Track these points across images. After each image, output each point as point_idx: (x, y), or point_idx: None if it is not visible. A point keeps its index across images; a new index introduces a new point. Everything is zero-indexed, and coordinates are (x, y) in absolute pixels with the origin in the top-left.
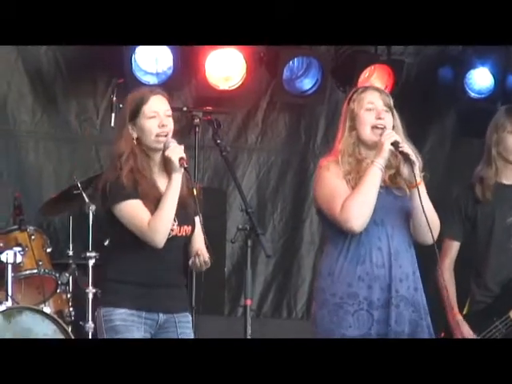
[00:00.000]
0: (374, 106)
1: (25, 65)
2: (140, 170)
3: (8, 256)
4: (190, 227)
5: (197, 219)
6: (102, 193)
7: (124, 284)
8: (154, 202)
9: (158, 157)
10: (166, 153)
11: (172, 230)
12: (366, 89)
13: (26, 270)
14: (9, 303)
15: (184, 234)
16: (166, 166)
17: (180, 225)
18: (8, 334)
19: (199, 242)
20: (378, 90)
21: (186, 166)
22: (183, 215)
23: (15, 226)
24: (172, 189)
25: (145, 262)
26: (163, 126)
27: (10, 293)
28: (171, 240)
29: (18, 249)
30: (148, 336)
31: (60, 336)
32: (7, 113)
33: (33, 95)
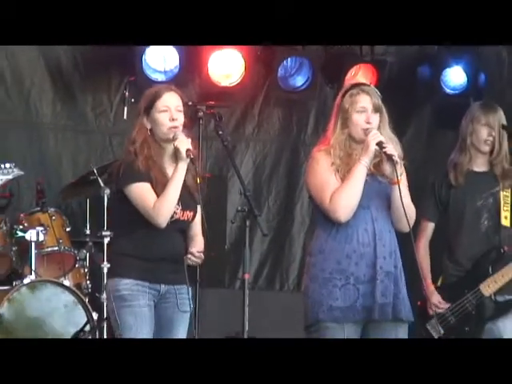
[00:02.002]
0: (365, 109)
1: (46, 63)
2: (153, 158)
3: (31, 235)
4: (192, 213)
5: (199, 207)
6: (116, 174)
7: (131, 258)
8: (161, 186)
9: (169, 147)
10: (175, 143)
11: (175, 213)
12: (359, 92)
13: (47, 248)
14: (32, 277)
15: (186, 218)
16: (176, 156)
17: (183, 209)
18: (32, 305)
19: (198, 228)
20: (369, 93)
21: (192, 156)
22: (187, 201)
23: (38, 208)
24: (177, 176)
25: (150, 240)
26: (173, 119)
27: (33, 267)
28: (174, 222)
29: (40, 228)
30: (152, 304)
31: (78, 306)
32: (30, 106)
33: (53, 90)
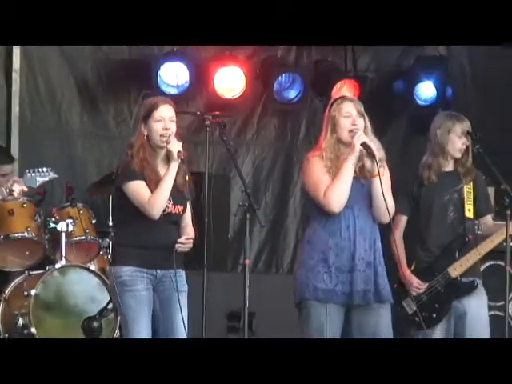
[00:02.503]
0: (350, 114)
1: (75, 79)
2: (147, 160)
3: (62, 226)
4: (182, 207)
5: (188, 203)
6: (115, 174)
7: (130, 247)
8: (154, 184)
9: (162, 151)
10: (168, 146)
11: (167, 207)
12: (343, 100)
13: (76, 237)
14: (63, 262)
15: (177, 211)
16: (168, 158)
17: (174, 204)
18: (62, 286)
19: (188, 220)
20: (352, 100)
21: (182, 157)
22: (177, 197)
23: (67, 203)
24: (169, 174)
25: (146, 231)
26: (166, 129)
27: (63, 254)
28: (167, 215)
29: (69, 220)
30: (150, 287)
31: (102, 287)
32: (61, 117)
33: (80, 103)
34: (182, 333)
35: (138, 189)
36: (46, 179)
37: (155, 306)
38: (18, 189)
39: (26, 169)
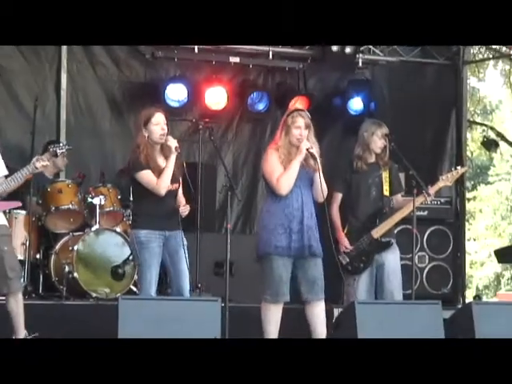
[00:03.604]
0: (299, 126)
1: (106, 96)
2: (149, 154)
3: (97, 200)
4: (177, 185)
5: (181, 180)
6: (128, 166)
7: (144, 215)
8: (157, 172)
9: (159, 147)
10: (168, 143)
11: (169, 186)
12: (296, 115)
13: (106, 208)
14: (97, 226)
15: (174, 188)
16: (165, 152)
17: (172, 183)
18: (96, 243)
19: (181, 193)
20: (303, 116)
21: (178, 151)
22: (173, 178)
23: (100, 184)
24: (170, 163)
25: (155, 204)
26: (162, 129)
27: (97, 220)
28: (168, 192)
29: (102, 196)
30: (161, 244)
31: (125, 244)
32: (96, 122)
33: (109, 112)
34: (186, 274)
35: (147, 176)
36: (64, 150)
37: (165, 258)
38: (39, 165)
39: (49, 146)
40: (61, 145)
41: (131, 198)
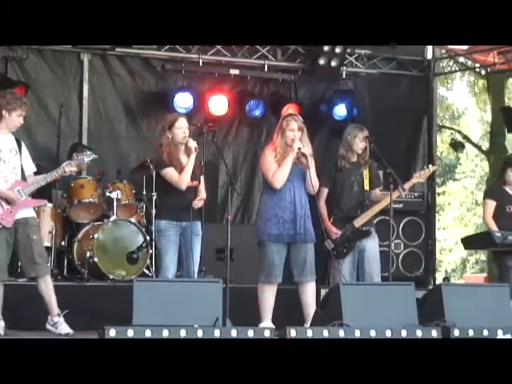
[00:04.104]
0: (293, 129)
1: (122, 104)
2: (172, 153)
3: (114, 195)
4: (197, 182)
5: (202, 178)
6: (154, 164)
7: (166, 208)
8: (179, 169)
9: (181, 147)
10: (188, 144)
11: (189, 182)
12: (291, 119)
13: (122, 201)
14: (114, 217)
15: (194, 185)
16: (186, 151)
17: (192, 180)
18: (114, 232)
19: (201, 189)
20: (296, 120)
21: (197, 151)
22: (194, 176)
23: (117, 180)
24: (190, 162)
25: (175, 197)
26: (184, 133)
27: (115, 212)
28: (188, 188)
29: (118, 191)
30: (178, 234)
31: (139, 233)
32: (113, 127)
33: (125, 119)
34: (196, 261)
35: (170, 173)
36: (91, 158)
37: (181, 244)
38: (68, 170)
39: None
40: (88, 153)
41: (144, 192)
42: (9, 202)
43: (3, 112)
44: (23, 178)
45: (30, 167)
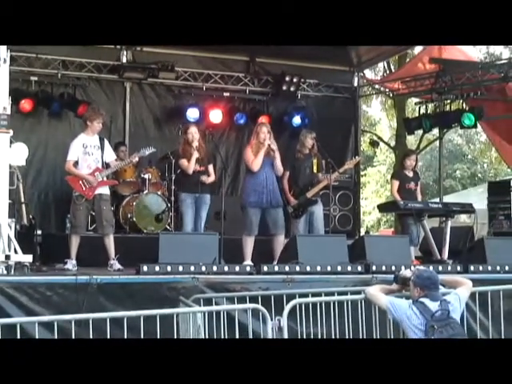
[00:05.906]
0: (264, 132)
1: (152, 114)
2: (187, 149)
3: (146, 175)
4: (204, 167)
5: (211, 166)
6: (173, 156)
7: (184, 184)
8: (189, 160)
9: (194, 145)
10: (193, 144)
11: (196, 168)
12: (262, 126)
13: (152, 180)
14: (146, 191)
15: (202, 169)
16: (195, 148)
17: (200, 166)
18: (146, 201)
19: (212, 173)
20: (266, 126)
21: (197, 148)
22: (202, 163)
23: (148, 166)
24: (193, 156)
25: (189, 178)
26: (193, 136)
27: (147, 187)
28: (197, 171)
29: (149, 173)
30: (193, 201)
31: (163, 202)
32: (146, 131)
33: (154, 125)
34: (203, 220)
35: (182, 162)
36: (150, 151)
37: (195, 210)
38: (134, 160)
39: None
40: (148, 148)
41: (166, 174)
42: (89, 182)
43: (87, 122)
44: (103, 165)
45: (111, 156)
